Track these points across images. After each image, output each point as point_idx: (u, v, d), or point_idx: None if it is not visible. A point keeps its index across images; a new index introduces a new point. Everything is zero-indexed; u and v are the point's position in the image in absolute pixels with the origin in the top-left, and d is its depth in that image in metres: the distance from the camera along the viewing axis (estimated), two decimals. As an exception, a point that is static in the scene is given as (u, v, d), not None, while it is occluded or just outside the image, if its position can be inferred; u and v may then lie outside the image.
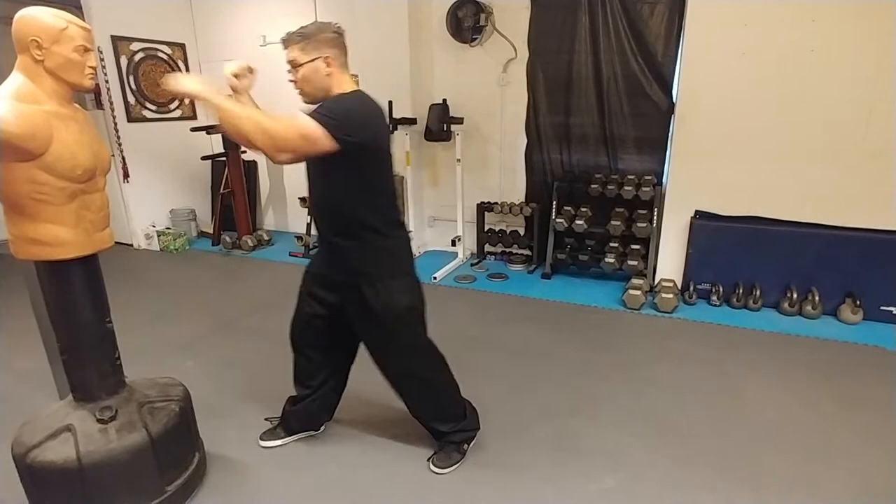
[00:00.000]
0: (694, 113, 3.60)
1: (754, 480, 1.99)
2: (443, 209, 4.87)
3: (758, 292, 3.53)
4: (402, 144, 4.54)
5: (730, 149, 3.54)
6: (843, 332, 3.23)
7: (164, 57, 5.28)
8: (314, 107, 1.65)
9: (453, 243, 4.61)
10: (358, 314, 1.88)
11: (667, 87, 3.81)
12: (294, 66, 1.72)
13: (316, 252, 2.03)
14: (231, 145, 4.98)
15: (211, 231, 5.36)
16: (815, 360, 2.89)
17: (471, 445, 2.14)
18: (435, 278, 4.18)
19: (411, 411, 2.08)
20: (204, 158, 5.11)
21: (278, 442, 2.22)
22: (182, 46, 5.43)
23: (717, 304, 3.63)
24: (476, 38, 4.25)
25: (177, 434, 1.83)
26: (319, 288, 1.96)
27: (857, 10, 3.08)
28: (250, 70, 1.86)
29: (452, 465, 2.06)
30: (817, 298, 3.38)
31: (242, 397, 2.58)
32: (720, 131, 3.54)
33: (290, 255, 4.92)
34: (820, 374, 2.73)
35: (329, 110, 1.60)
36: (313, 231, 5.11)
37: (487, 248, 4.73)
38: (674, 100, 3.76)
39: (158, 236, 5.17)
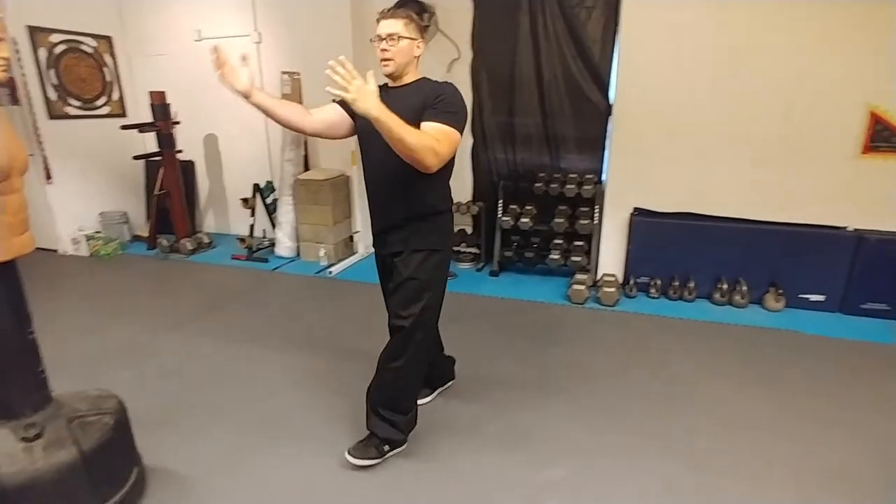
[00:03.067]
0: (630, 114, 3.76)
1: (692, 461, 2.10)
2: (390, 209, 4.84)
3: (692, 284, 3.73)
4: (347, 144, 4.48)
5: (664, 148, 3.72)
6: (768, 319, 3.47)
7: (89, 50, 4.97)
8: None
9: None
10: (393, 277, 2.00)
11: (604, 89, 3.95)
12: (395, 37, 1.80)
13: (376, 239, 2.11)
14: (166, 144, 4.74)
15: (146, 235, 5.10)
16: (744, 345, 3.08)
17: (391, 454, 2.11)
18: (384, 278, 4.15)
19: (376, 378, 2.10)
20: (136, 158, 4.84)
21: (428, 399, 2.47)
22: (108, 39, 5.12)
23: (656, 296, 3.81)
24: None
25: (112, 449, 1.73)
26: (385, 266, 2.11)
27: (780, 16, 3.31)
28: (244, 59, 1.85)
29: (367, 460, 2.05)
30: (745, 289, 3.61)
31: (184, 406, 2.47)
32: (655, 132, 3.71)
33: (233, 258, 4.74)
34: (748, 358, 2.92)
35: (456, 115, 1.77)
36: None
37: (436, 247, 4.73)
38: (611, 101, 3.91)
39: (87, 241, 4.86)
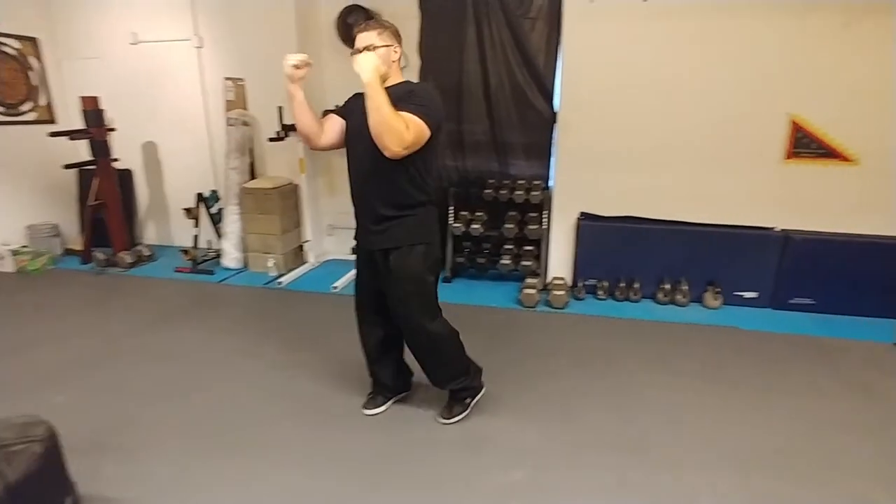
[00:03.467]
0: (574, 122, 3.88)
1: (643, 455, 2.18)
2: (341, 217, 4.78)
3: (637, 285, 3.87)
4: (294, 152, 4.41)
5: (607, 155, 3.86)
6: (707, 316, 3.65)
7: (12, 52, 4.66)
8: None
9: (353, 251, 4.53)
10: (384, 276, 2.15)
11: (549, 97, 4.06)
12: (370, 49, 1.94)
13: (359, 233, 2.23)
14: (100, 152, 4.50)
15: (79, 248, 4.82)
16: (687, 343, 3.22)
17: (475, 401, 2.44)
18: (335, 287, 4.09)
19: (422, 368, 2.34)
20: (67, 167, 4.57)
21: (382, 408, 2.46)
22: (34, 41, 4.83)
23: (603, 297, 3.93)
24: (368, 45, 4.23)
25: (41, 479, 1.62)
26: (363, 259, 2.25)
27: (708, 32, 3.51)
28: (308, 63, 2.00)
29: (456, 417, 2.36)
30: (686, 288, 3.79)
31: (125, 427, 2.35)
32: (598, 139, 3.85)
33: (176, 271, 4.55)
34: (692, 355, 3.06)
35: (426, 107, 1.90)
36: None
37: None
38: (556, 109, 4.02)
39: (13, 255, 4.54)
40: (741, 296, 3.79)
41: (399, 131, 1.81)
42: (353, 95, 2.14)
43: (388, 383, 2.47)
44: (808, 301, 3.68)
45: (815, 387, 2.71)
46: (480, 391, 2.48)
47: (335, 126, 2.15)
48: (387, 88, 1.93)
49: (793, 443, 2.27)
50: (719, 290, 3.75)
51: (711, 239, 3.77)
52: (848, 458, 2.18)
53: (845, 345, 3.18)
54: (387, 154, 1.85)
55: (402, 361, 2.52)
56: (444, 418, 2.37)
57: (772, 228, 3.72)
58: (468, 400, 2.41)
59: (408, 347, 2.33)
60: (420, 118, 1.88)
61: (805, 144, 3.56)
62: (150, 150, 5.12)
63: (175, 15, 4.59)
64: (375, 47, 1.95)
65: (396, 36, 2.05)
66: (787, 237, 3.65)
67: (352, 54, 1.96)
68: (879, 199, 3.54)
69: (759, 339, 3.28)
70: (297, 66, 1.97)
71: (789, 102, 3.52)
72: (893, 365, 2.95)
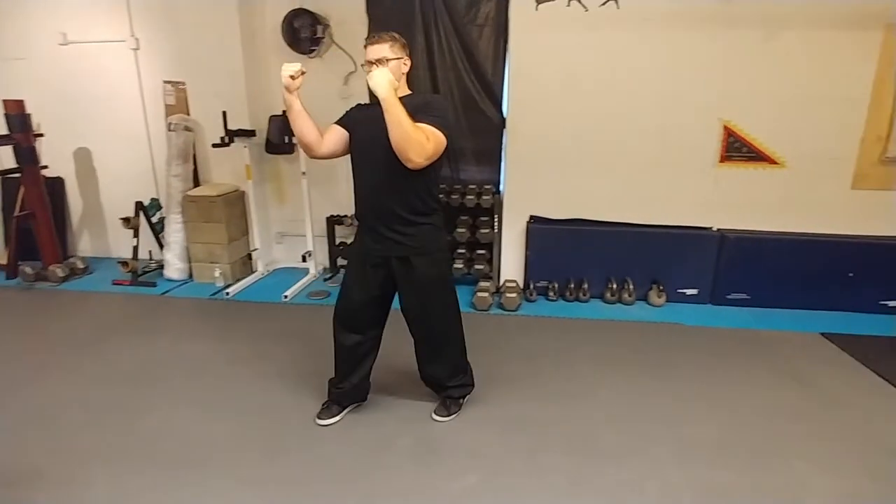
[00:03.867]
0: (521, 127, 3.96)
1: (592, 453, 2.24)
2: (290, 224, 4.68)
3: (586, 286, 3.98)
4: (240, 158, 4.28)
5: (554, 160, 3.95)
6: (653, 314, 3.80)
7: (-75, 53, 4.32)
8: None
9: (304, 259, 4.46)
10: (406, 282, 2.18)
11: (498, 104, 4.12)
12: (382, 61, 1.98)
13: (362, 239, 2.23)
14: (27, 159, 4.22)
15: (4, 262, 4.49)
16: (634, 340, 3.34)
17: (465, 400, 2.54)
18: (285, 296, 4.00)
19: (425, 368, 2.42)
20: (-11, 175, 4.28)
21: (337, 418, 2.42)
22: (-50, 41, 4.49)
23: (554, 299, 4.02)
24: (314, 50, 4.17)
25: (-37, 514, 1.50)
26: (370, 268, 2.19)
27: (647, 43, 3.66)
28: (302, 72, 2.03)
29: (452, 415, 2.45)
30: (632, 287, 3.93)
31: (58, 455, 2.20)
32: (545, 144, 3.94)
33: (114, 284, 4.32)
34: (638, 352, 3.17)
35: (443, 118, 1.98)
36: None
37: (340, 261, 4.65)
38: (504, 115, 4.09)
39: (-73, 272, 4.19)
40: (683, 293, 3.96)
41: (421, 143, 1.86)
42: (356, 106, 2.23)
43: (349, 392, 2.43)
44: (743, 296, 3.89)
45: (753, 377, 2.87)
46: (472, 389, 2.56)
47: (336, 136, 2.16)
48: (401, 100, 1.92)
49: (735, 432, 2.38)
50: (663, 288, 3.92)
51: (654, 239, 3.93)
52: (785, 442, 2.31)
53: (778, 336, 3.39)
54: (409, 166, 1.89)
55: (365, 379, 2.48)
56: (441, 416, 2.45)
57: (710, 228, 3.91)
58: (461, 400, 2.51)
59: (419, 348, 2.39)
60: (438, 129, 1.94)
61: (737, 149, 3.77)
62: (83, 156, 4.85)
63: (108, 14, 4.37)
64: (388, 60, 1.99)
65: (405, 48, 2.09)
66: (723, 236, 3.85)
67: (363, 67, 1.97)
68: (804, 198, 3.79)
69: (700, 333, 3.44)
70: (292, 77, 1.99)
71: (722, 109, 3.72)
72: (821, 354, 3.17)
